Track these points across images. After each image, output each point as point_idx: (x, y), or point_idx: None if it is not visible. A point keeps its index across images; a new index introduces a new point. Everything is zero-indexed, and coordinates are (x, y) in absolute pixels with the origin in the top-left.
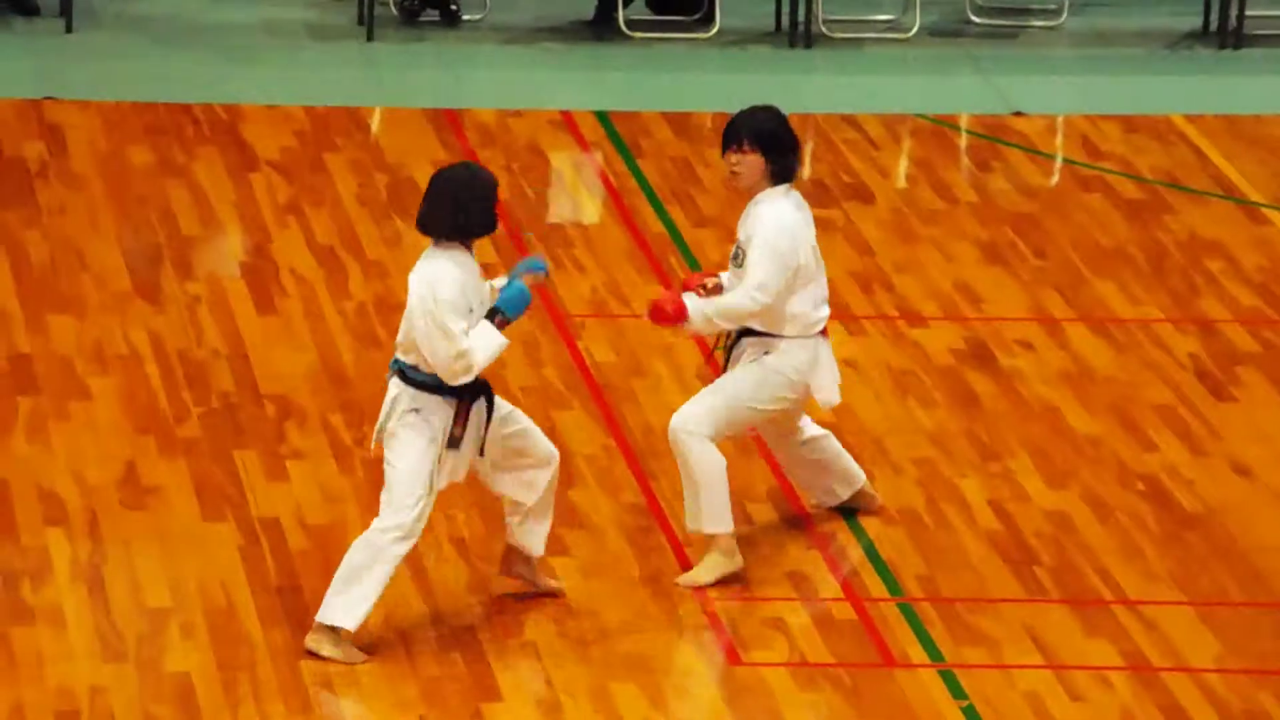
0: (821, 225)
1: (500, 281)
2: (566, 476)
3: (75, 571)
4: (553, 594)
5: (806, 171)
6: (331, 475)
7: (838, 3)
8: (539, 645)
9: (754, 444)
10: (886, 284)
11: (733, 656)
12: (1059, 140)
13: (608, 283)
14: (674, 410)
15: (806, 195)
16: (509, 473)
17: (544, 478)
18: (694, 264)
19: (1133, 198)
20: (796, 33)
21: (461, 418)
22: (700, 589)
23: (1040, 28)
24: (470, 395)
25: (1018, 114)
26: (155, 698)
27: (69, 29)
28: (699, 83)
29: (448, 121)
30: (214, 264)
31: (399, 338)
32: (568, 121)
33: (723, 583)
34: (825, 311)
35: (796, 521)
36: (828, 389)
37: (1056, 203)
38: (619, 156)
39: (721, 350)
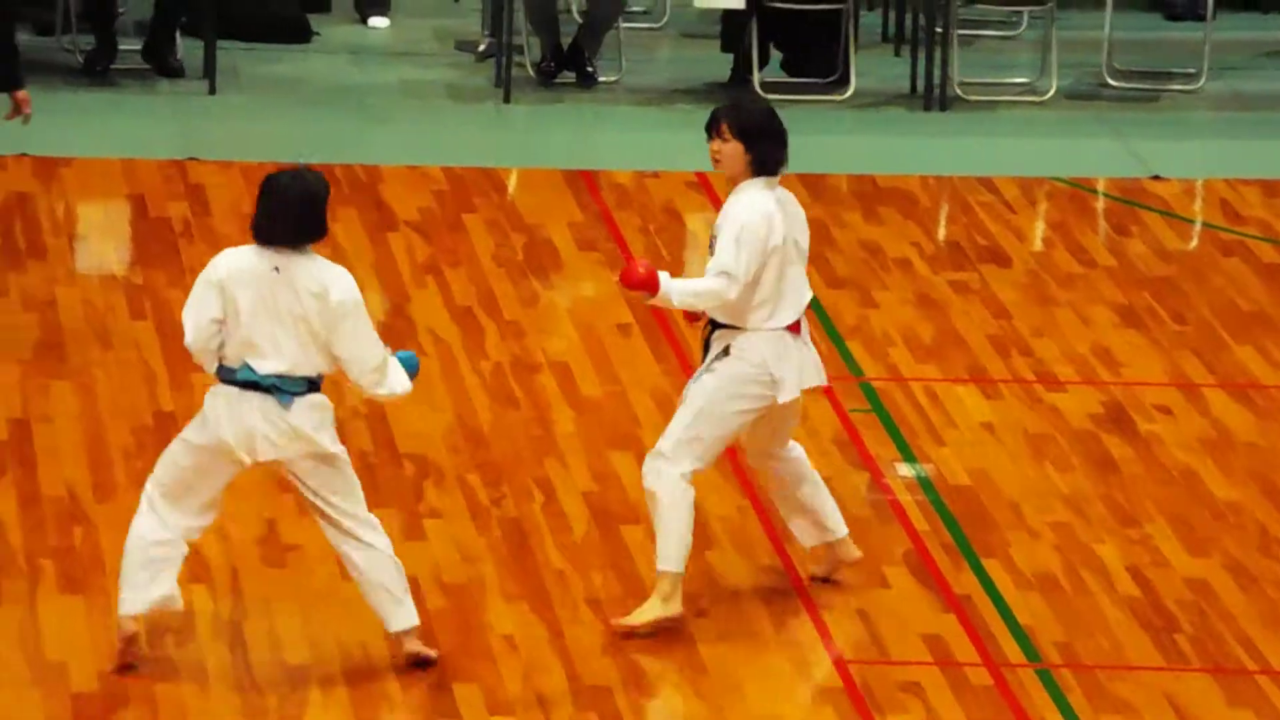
0: (957, 288)
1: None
2: (702, 538)
3: (217, 628)
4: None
5: (942, 233)
6: (468, 534)
7: (973, 65)
8: (675, 708)
9: (889, 506)
10: (1023, 348)
11: None
12: (1198, 204)
13: None
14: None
15: (941, 257)
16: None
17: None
18: (828, 324)
19: (1273, 262)
20: (932, 95)
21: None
22: (631, 632)
23: (1179, 91)
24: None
25: (1156, 178)
26: None
27: (212, 91)
28: (833, 145)
29: (584, 182)
30: None
31: None
32: (703, 182)
33: (659, 629)
34: (798, 307)
35: (931, 584)
36: (787, 386)
37: (1195, 267)
38: None
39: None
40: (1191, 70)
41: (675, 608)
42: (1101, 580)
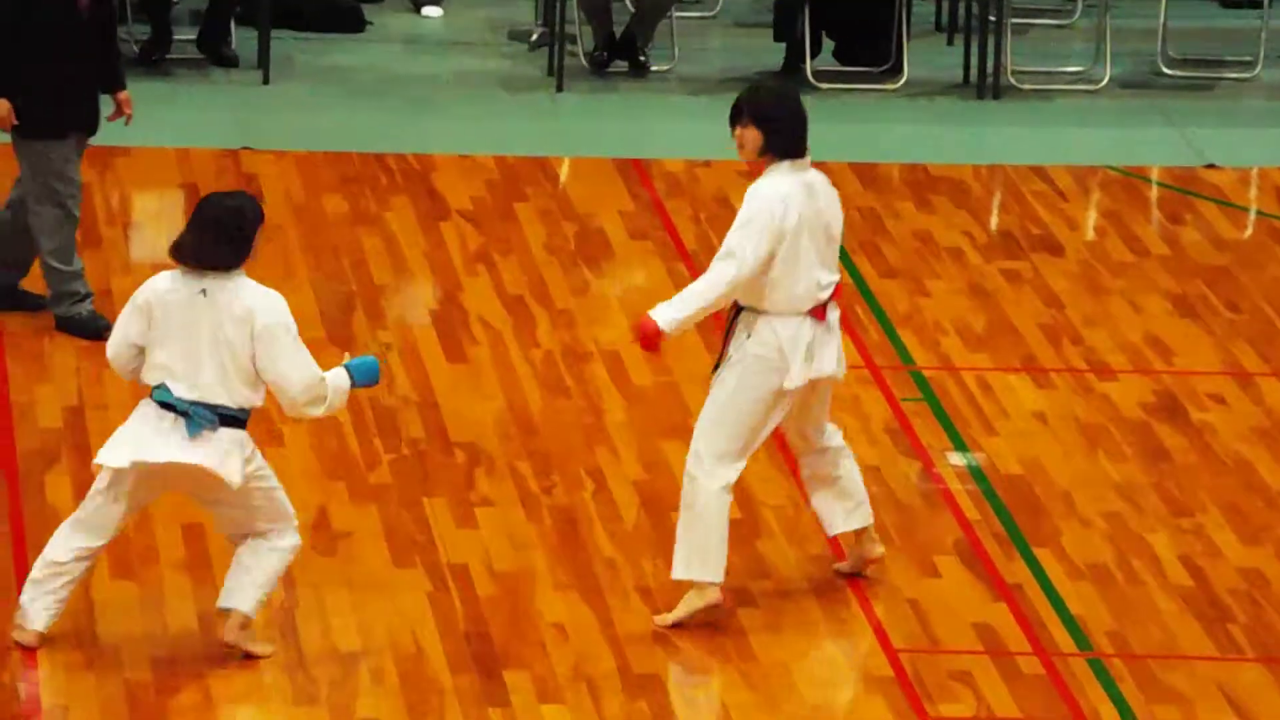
0: (1009, 277)
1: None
2: (753, 528)
3: (269, 615)
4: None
5: (994, 222)
6: (519, 522)
7: (1027, 54)
8: (725, 698)
9: (940, 496)
10: (1075, 337)
11: (919, 709)
12: (1252, 192)
13: None
14: (857, 461)
15: (993, 246)
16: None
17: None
18: (880, 314)
19: None
20: (985, 84)
21: None
22: (671, 627)
23: (1234, 79)
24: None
25: (1210, 166)
26: None
27: (266, 80)
28: (886, 134)
29: (635, 171)
30: (405, 312)
31: None
32: (755, 172)
33: (700, 615)
34: (821, 293)
35: (983, 573)
36: (794, 373)
37: (1249, 255)
38: None
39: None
40: (1247, 58)
41: (714, 596)
42: (1154, 570)
